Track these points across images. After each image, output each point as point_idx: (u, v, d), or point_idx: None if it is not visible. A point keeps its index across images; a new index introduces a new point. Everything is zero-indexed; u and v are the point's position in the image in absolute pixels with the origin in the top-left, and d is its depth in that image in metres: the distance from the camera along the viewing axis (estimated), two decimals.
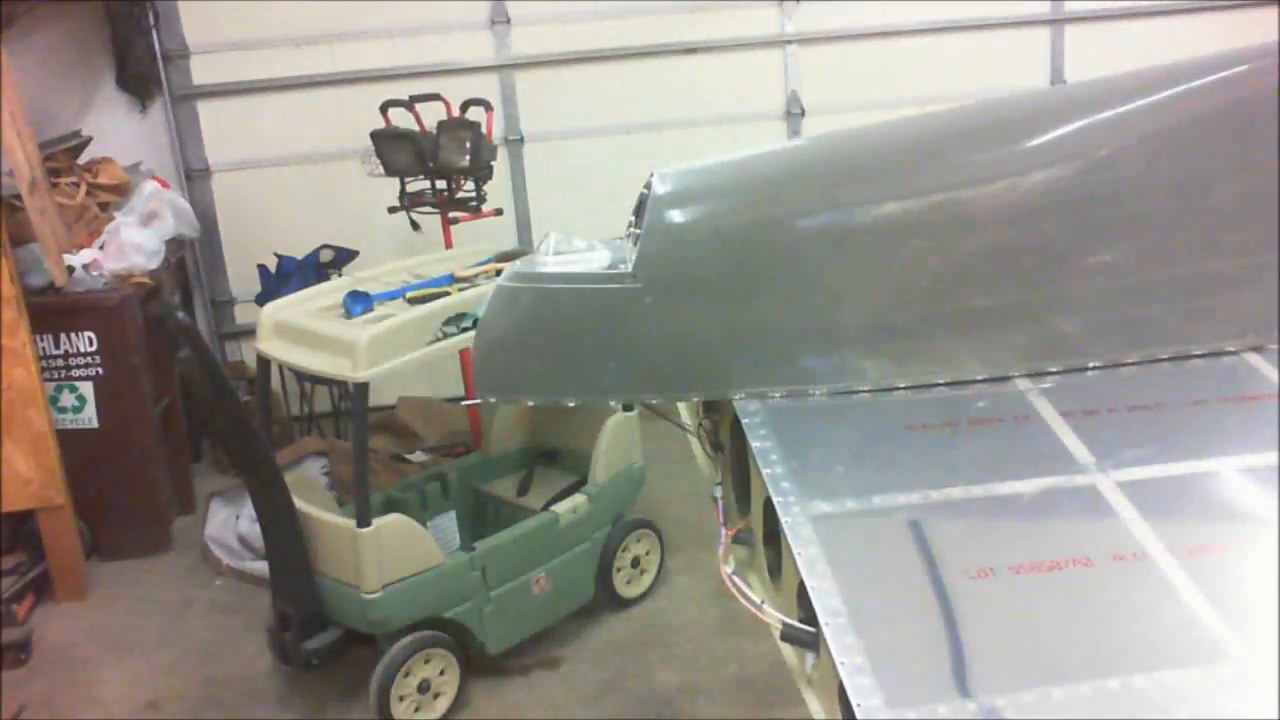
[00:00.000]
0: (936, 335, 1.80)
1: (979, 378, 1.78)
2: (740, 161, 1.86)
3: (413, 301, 3.18)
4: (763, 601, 1.49)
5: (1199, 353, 1.82)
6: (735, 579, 1.56)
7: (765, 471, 1.59)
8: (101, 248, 4.18)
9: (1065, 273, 1.82)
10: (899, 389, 1.76)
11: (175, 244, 4.62)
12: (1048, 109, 1.92)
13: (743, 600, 1.50)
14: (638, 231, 1.75)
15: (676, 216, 1.74)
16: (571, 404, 1.85)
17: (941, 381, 1.77)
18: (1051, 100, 1.97)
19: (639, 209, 1.79)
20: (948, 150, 1.83)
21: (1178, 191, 1.84)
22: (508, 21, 5.23)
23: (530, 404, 1.87)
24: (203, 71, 5.07)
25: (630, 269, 1.71)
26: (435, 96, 4.42)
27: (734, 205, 1.79)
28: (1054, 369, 1.79)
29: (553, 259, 1.76)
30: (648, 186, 1.76)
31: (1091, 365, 1.79)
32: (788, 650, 1.47)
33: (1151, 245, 1.83)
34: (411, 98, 4.41)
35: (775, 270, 1.76)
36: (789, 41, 5.43)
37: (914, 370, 1.77)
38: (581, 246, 1.79)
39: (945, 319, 1.80)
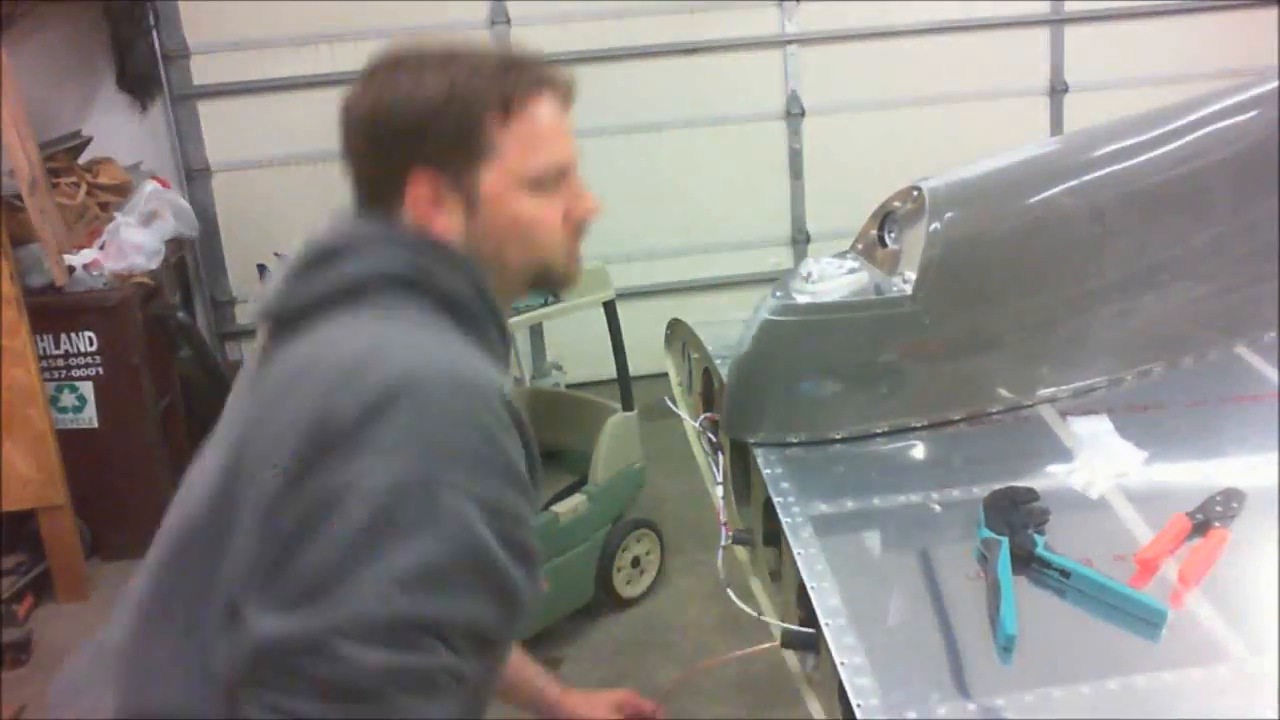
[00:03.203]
0: None
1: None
2: (1006, 168, 1.80)
3: None
4: (760, 614, 1.49)
5: None
6: (731, 591, 1.56)
7: (765, 472, 1.59)
8: (101, 248, 4.18)
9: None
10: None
11: (175, 244, 4.62)
12: None
13: (744, 608, 1.51)
14: (897, 248, 1.69)
15: (956, 231, 1.65)
16: (837, 437, 1.70)
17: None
18: None
19: (885, 223, 1.71)
20: None
21: None
22: (507, 21, 5.24)
23: (793, 442, 1.69)
24: (203, 71, 5.07)
25: (909, 290, 1.63)
26: None
27: (1009, 212, 1.73)
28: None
29: (812, 286, 1.65)
30: (904, 200, 1.68)
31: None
32: (787, 650, 1.47)
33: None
34: None
35: (1054, 274, 1.72)
36: (789, 41, 5.43)
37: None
38: (835, 269, 1.68)
39: None
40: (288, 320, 1.26)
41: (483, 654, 1.17)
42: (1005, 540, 1.36)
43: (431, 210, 1.28)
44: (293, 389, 1.18)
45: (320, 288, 1.25)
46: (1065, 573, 1.33)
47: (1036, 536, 1.37)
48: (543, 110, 1.31)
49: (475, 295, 1.27)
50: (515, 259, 1.33)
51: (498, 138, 1.28)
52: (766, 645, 1.48)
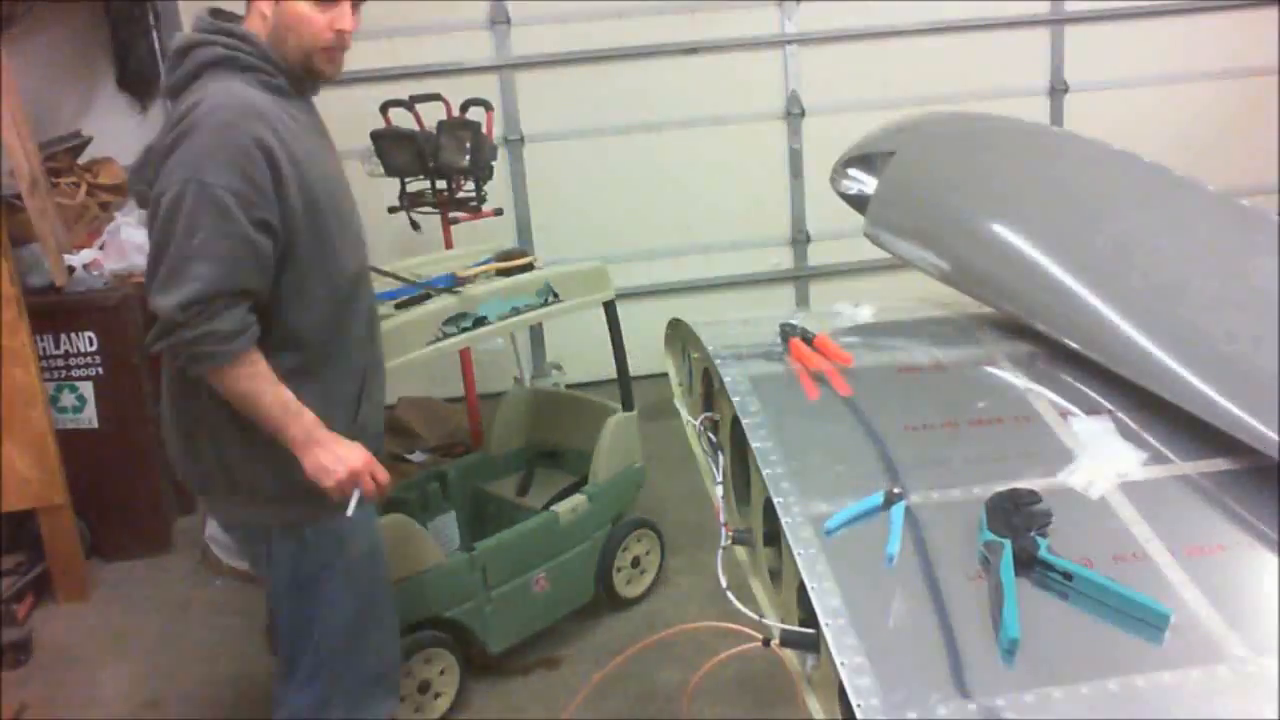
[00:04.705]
0: None
1: None
2: None
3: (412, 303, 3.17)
4: (762, 615, 1.49)
5: None
6: (731, 591, 1.56)
7: (765, 472, 1.59)
8: (101, 248, 4.18)
9: None
10: None
11: None
12: None
13: (744, 609, 1.50)
14: None
15: None
16: None
17: None
18: None
19: None
20: None
21: None
22: (508, 21, 5.24)
23: None
24: None
25: None
26: (435, 96, 4.42)
27: None
28: None
29: None
30: None
31: None
32: (787, 651, 1.47)
33: None
34: (411, 98, 4.41)
35: None
36: (789, 41, 5.44)
37: None
38: None
39: None
40: (171, 93, 2.16)
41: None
42: (1008, 543, 1.36)
43: (259, 8, 2.16)
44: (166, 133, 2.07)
45: (181, 73, 2.12)
46: (1068, 575, 1.33)
47: (1039, 539, 1.37)
48: None
49: (266, 64, 2.13)
50: (292, 47, 2.15)
51: None
52: (751, 645, 1.48)
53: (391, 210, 4.38)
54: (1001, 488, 1.48)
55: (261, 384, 2.07)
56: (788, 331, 1.89)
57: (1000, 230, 1.98)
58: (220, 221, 1.97)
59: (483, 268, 3.31)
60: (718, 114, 5.47)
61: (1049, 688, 1.19)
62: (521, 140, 5.38)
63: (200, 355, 2.04)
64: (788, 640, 1.41)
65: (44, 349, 3.97)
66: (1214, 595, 1.32)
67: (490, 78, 5.25)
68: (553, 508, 3.48)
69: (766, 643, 1.43)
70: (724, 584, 1.57)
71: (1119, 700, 1.18)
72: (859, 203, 2.16)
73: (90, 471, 4.04)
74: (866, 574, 1.39)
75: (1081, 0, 5.57)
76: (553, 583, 3.42)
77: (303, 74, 2.18)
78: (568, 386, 4.91)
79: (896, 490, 1.49)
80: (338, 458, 2.11)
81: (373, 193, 4.46)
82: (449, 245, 4.35)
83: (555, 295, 3.33)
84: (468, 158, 4.18)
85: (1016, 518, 1.41)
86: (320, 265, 2.16)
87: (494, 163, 4.35)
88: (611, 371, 3.68)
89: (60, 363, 4.04)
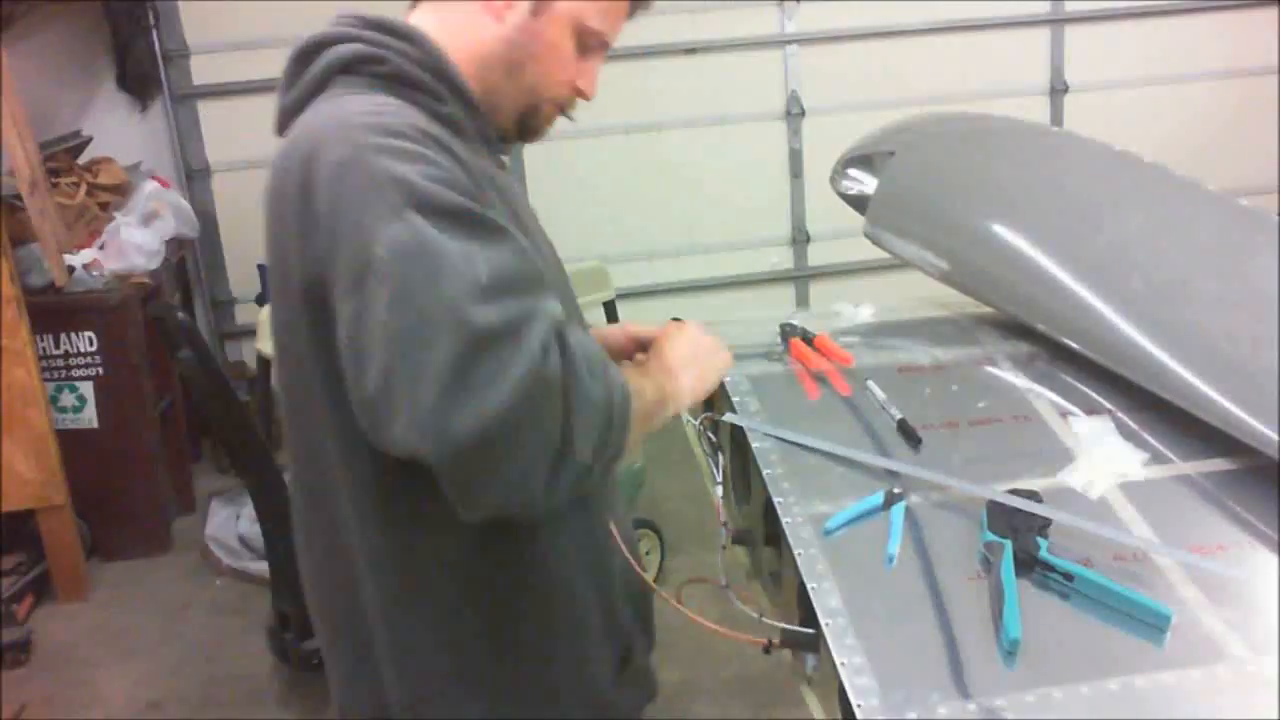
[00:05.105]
0: None
1: None
2: None
3: None
4: (761, 615, 1.49)
5: None
6: (731, 592, 1.57)
7: (765, 472, 1.59)
8: (101, 248, 4.18)
9: None
10: None
11: (175, 244, 4.63)
12: None
13: (744, 608, 1.51)
14: None
15: None
16: None
17: None
18: None
19: None
20: None
21: None
22: None
23: None
24: (203, 71, 5.07)
25: None
26: None
27: None
28: None
29: None
30: None
31: None
32: (786, 651, 1.47)
33: None
34: None
35: None
36: (789, 41, 5.44)
37: None
38: None
39: None
40: (285, 119, 1.38)
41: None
42: (1009, 544, 1.36)
43: (490, 3, 1.37)
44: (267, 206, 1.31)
45: (306, 83, 1.37)
46: (1069, 576, 1.33)
47: (1040, 540, 1.37)
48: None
49: (432, 74, 1.35)
50: (522, 85, 1.43)
51: None
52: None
53: None
54: (1001, 489, 1.48)
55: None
56: (788, 331, 1.89)
57: (1000, 230, 1.98)
58: (478, 231, 1.18)
59: None
60: (718, 114, 5.47)
61: (1049, 688, 1.19)
62: None
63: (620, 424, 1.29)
64: (788, 640, 1.41)
65: (44, 349, 3.97)
66: (1214, 595, 1.32)
67: None
68: None
69: (768, 649, 1.42)
70: (724, 584, 1.57)
71: (1119, 700, 1.18)
72: (859, 203, 2.16)
73: (90, 471, 4.04)
74: (866, 574, 1.39)
75: (1081, 0, 5.57)
76: None
77: (510, 125, 1.47)
78: None
79: (896, 490, 1.49)
80: (700, 373, 1.61)
81: None
82: None
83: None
84: None
85: (1017, 518, 1.41)
86: None
87: None
88: None
89: (60, 363, 4.04)
